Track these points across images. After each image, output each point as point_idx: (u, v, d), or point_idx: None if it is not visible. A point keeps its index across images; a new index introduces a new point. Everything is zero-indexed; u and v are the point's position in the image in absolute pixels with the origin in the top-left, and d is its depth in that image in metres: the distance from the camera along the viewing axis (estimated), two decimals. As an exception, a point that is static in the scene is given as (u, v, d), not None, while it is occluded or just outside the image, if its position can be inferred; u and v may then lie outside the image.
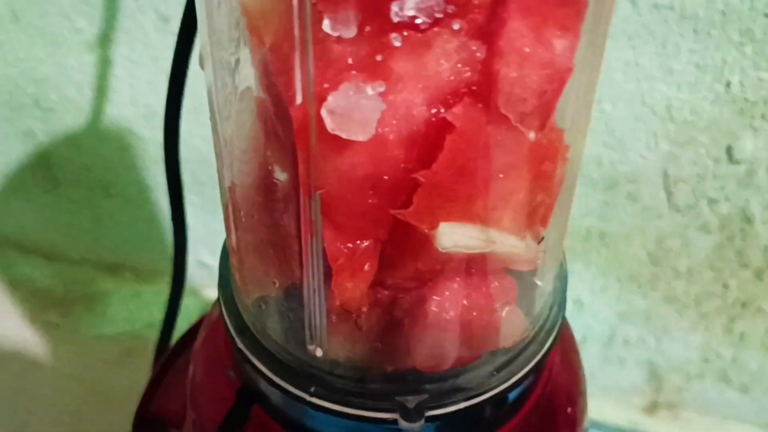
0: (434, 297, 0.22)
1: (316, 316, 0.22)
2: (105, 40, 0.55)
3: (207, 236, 0.66)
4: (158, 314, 0.69)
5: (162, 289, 0.71)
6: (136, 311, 0.71)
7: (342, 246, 0.20)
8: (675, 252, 0.52)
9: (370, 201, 0.19)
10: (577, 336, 0.60)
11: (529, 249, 0.22)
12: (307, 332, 0.23)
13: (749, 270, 0.52)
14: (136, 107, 0.58)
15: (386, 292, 0.22)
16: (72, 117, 0.61)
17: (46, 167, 0.66)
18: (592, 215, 0.52)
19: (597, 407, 0.62)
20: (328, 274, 0.21)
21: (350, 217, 0.20)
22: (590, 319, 0.59)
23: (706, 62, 0.43)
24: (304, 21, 0.16)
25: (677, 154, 0.48)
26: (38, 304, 0.71)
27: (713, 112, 0.45)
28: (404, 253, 0.21)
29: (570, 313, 0.59)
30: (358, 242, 0.20)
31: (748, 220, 0.49)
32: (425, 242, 0.20)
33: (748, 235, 0.50)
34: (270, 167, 0.20)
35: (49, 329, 0.69)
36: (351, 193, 0.19)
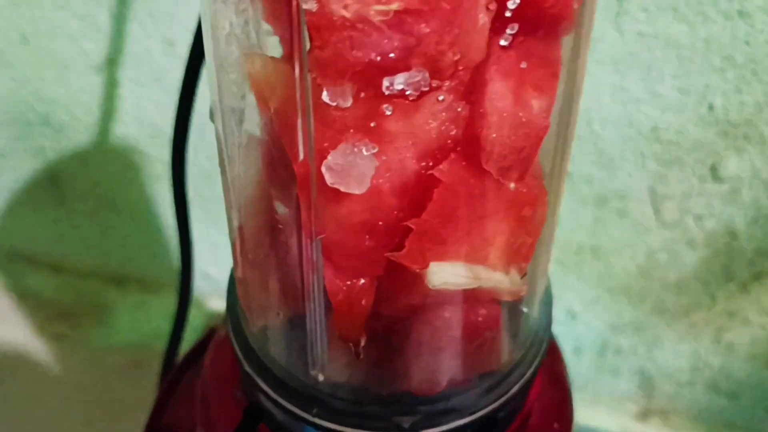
0: (427, 326, 0.24)
1: (317, 345, 0.24)
2: (112, 63, 0.57)
3: (211, 249, 0.68)
4: (164, 325, 0.71)
5: (168, 300, 0.73)
6: (142, 322, 0.72)
7: (341, 284, 0.22)
8: (663, 265, 0.54)
9: (366, 244, 0.21)
10: (571, 345, 0.62)
11: (514, 283, 0.24)
12: (310, 359, 0.25)
13: (735, 282, 0.54)
14: (142, 126, 0.60)
15: (382, 323, 0.24)
16: (80, 135, 0.63)
17: (55, 183, 0.68)
18: (584, 230, 0.54)
19: (591, 414, 0.64)
20: (328, 308, 0.23)
21: (348, 258, 0.22)
22: (583, 329, 0.61)
23: (689, 87, 0.45)
24: (305, 92, 0.18)
25: (664, 173, 0.49)
26: (46, 315, 0.73)
27: (697, 134, 0.47)
28: (398, 289, 0.23)
29: (564, 323, 0.61)
30: (356, 280, 0.22)
31: (733, 235, 0.51)
32: (417, 279, 0.22)
33: (733, 250, 0.52)
34: (274, 212, 0.22)
35: (57, 340, 0.71)
36: (349, 237, 0.21)
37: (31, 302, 0.74)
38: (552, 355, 0.34)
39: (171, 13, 0.51)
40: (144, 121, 0.60)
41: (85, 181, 0.66)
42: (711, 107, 0.46)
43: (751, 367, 0.58)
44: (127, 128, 0.61)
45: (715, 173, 0.49)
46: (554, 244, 0.27)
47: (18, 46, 0.58)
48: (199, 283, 0.71)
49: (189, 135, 0.42)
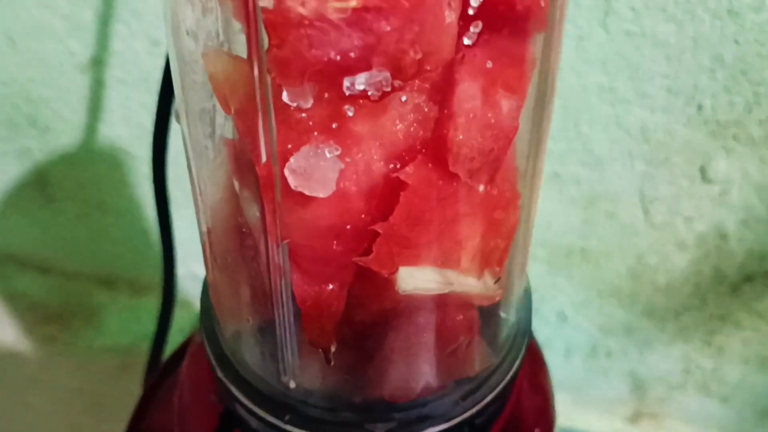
0: (399, 332, 0.24)
1: (288, 352, 0.24)
2: (98, 63, 0.56)
3: (199, 249, 0.68)
4: (153, 327, 0.70)
5: (156, 302, 0.73)
6: (131, 324, 0.72)
7: (309, 289, 0.21)
8: (653, 267, 0.54)
9: (334, 249, 0.21)
10: (561, 347, 0.62)
11: (487, 288, 0.23)
12: (281, 366, 0.24)
13: (725, 285, 0.53)
14: (129, 127, 0.60)
15: (354, 329, 0.23)
16: (67, 136, 0.62)
17: (42, 184, 0.67)
18: (573, 232, 0.54)
19: (582, 417, 0.64)
20: (297, 314, 0.23)
21: (316, 263, 0.21)
22: (573, 332, 0.60)
23: (678, 87, 0.45)
24: (266, 92, 0.17)
25: (653, 174, 0.49)
26: (35, 317, 0.73)
27: (686, 134, 0.47)
28: (369, 294, 0.22)
29: (553, 325, 0.60)
30: (325, 286, 0.21)
31: (723, 237, 0.51)
32: (388, 284, 0.22)
33: (723, 252, 0.52)
34: (242, 216, 0.22)
35: (46, 342, 0.71)
36: (316, 241, 0.20)
37: (19, 304, 0.73)
38: (533, 360, 0.33)
39: (156, 12, 0.51)
40: (131, 121, 0.59)
41: (72, 182, 0.66)
42: (700, 107, 0.45)
43: (743, 369, 0.58)
44: (114, 129, 0.60)
45: (704, 174, 0.48)
46: (532, 246, 0.26)
47: (4, 47, 0.57)
48: (187, 285, 0.70)
49: (169, 134, 0.42)
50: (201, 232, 0.25)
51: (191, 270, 0.70)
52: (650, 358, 0.60)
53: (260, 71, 0.17)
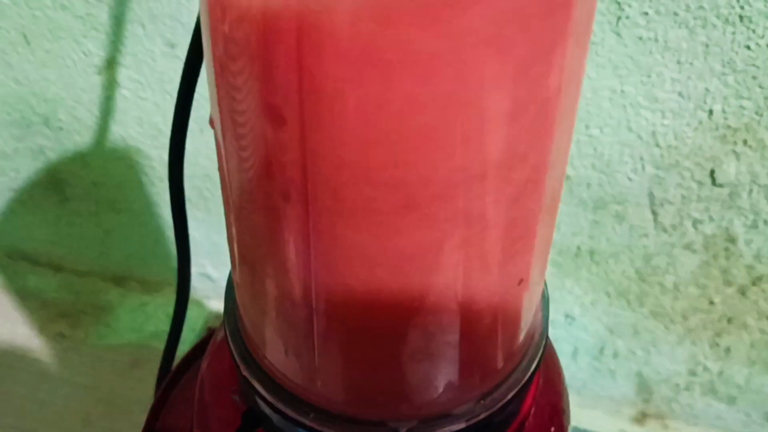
0: (423, 332, 0.24)
1: (315, 350, 0.24)
2: (113, 63, 0.57)
3: (211, 250, 0.68)
4: (164, 325, 0.71)
5: (167, 301, 0.73)
6: (142, 322, 0.73)
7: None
8: (662, 269, 0.54)
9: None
10: (569, 348, 0.62)
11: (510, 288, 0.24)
12: (307, 364, 0.25)
13: (734, 287, 0.54)
14: (143, 127, 0.60)
15: (378, 327, 0.24)
16: (81, 136, 0.63)
17: (56, 183, 0.68)
18: (582, 234, 0.54)
19: (588, 417, 0.64)
20: (326, 312, 0.23)
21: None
22: (581, 332, 0.61)
23: (689, 91, 0.45)
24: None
25: (662, 177, 0.50)
26: (47, 315, 0.73)
27: (697, 138, 0.47)
28: (394, 293, 0.23)
29: (561, 326, 0.61)
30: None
31: (731, 239, 0.51)
32: (414, 281, 0.22)
33: (732, 254, 0.52)
34: (273, 217, 0.22)
35: (58, 340, 0.71)
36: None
37: (31, 302, 0.74)
38: (548, 360, 0.34)
39: (173, 15, 0.52)
40: (145, 122, 0.60)
41: (85, 182, 0.67)
42: (711, 112, 0.46)
43: (750, 371, 0.59)
44: (128, 129, 0.61)
45: (713, 178, 0.49)
46: (552, 248, 0.27)
47: (19, 47, 0.58)
48: (199, 284, 0.71)
49: (186, 136, 0.42)
50: (229, 230, 0.25)
51: (201, 269, 0.71)
52: (657, 359, 0.60)
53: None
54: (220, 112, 0.22)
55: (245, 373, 0.28)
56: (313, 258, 0.22)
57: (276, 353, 0.27)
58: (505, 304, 0.25)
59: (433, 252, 0.22)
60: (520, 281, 0.24)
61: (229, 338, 0.29)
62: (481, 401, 0.27)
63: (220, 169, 0.24)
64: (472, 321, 0.25)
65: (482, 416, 0.27)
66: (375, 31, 0.17)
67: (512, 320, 0.26)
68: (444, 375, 0.25)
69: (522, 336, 0.28)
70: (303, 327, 0.24)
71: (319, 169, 0.20)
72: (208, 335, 0.48)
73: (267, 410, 0.28)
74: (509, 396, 0.27)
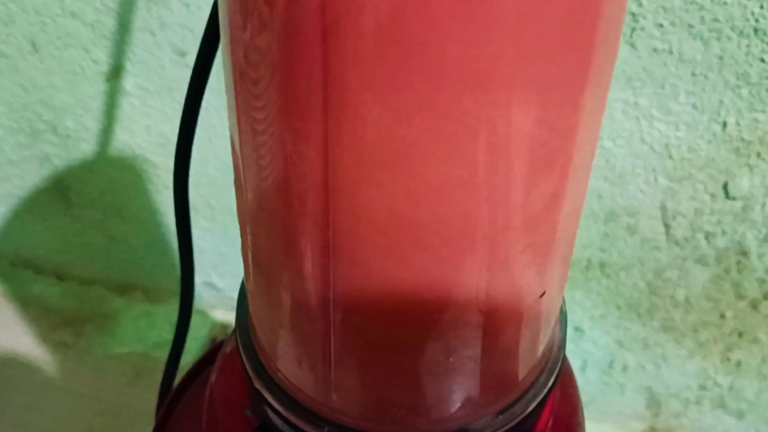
0: (442, 345, 0.24)
1: (330, 363, 0.24)
2: (121, 71, 0.57)
3: (216, 259, 0.68)
4: (168, 334, 0.70)
5: (171, 310, 0.73)
6: (146, 331, 0.72)
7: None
8: (673, 282, 0.54)
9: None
10: (578, 362, 0.62)
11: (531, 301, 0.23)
12: (322, 377, 0.25)
13: (745, 301, 0.53)
14: (150, 135, 0.60)
15: (396, 340, 0.24)
16: (87, 143, 0.63)
17: (61, 191, 0.67)
18: (593, 246, 0.54)
19: (598, 431, 0.64)
20: (341, 325, 0.23)
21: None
22: (590, 346, 0.60)
23: (703, 103, 0.45)
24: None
25: (675, 190, 0.49)
26: (50, 323, 0.73)
27: (710, 151, 0.47)
28: (413, 307, 0.22)
29: (570, 339, 0.60)
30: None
31: (744, 253, 0.51)
32: (434, 298, 0.22)
33: (744, 268, 0.52)
34: (289, 226, 0.22)
35: (61, 348, 0.71)
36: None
37: (35, 310, 0.74)
38: (564, 374, 0.34)
39: (183, 23, 0.51)
40: (153, 130, 0.60)
41: (91, 190, 0.66)
42: (725, 124, 0.46)
43: (760, 385, 0.58)
44: (135, 137, 0.61)
45: (727, 191, 0.48)
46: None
47: (27, 54, 0.58)
48: (204, 294, 0.71)
49: (193, 144, 0.42)
50: (244, 240, 0.25)
51: (207, 278, 0.70)
52: (667, 373, 0.60)
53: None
54: (239, 122, 0.21)
55: (258, 385, 0.27)
56: (332, 270, 0.22)
57: (290, 366, 0.26)
58: (527, 316, 0.24)
59: (455, 266, 0.21)
60: (543, 294, 0.24)
61: (241, 350, 0.28)
62: (500, 416, 0.26)
63: (237, 178, 0.23)
64: (493, 334, 0.24)
65: (500, 431, 0.26)
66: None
67: (533, 333, 0.26)
68: (463, 389, 0.25)
69: (541, 349, 0.28)
70: (319, 339, 0.24)
71: (340, 181, 0.20)
72: (213, 347, 0.48)
73: (280, 424, 0.27)
74: (528, 410, 0.27)
